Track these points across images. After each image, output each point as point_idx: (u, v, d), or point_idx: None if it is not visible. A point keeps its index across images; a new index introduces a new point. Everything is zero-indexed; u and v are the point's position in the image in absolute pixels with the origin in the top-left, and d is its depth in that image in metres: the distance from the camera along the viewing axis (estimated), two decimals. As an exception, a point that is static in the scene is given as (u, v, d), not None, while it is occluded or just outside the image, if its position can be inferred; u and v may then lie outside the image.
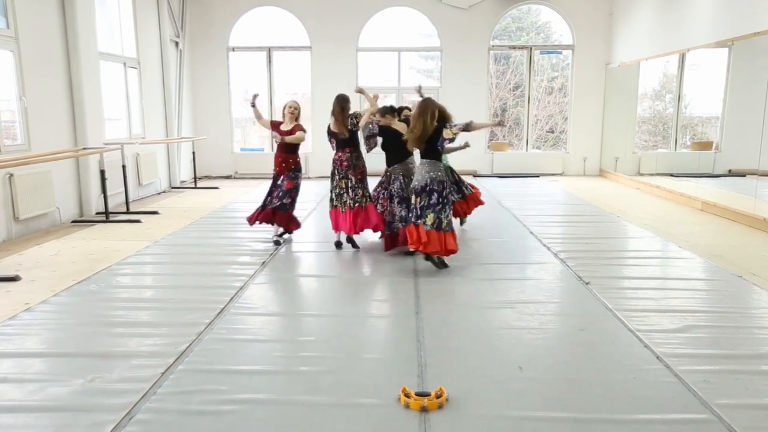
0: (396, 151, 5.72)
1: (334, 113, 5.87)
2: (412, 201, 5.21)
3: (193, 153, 11.32)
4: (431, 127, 5.04)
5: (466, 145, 6.59)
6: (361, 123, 5.79)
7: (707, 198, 8.39)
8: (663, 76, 11.52)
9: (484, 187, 10.61)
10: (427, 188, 5.08)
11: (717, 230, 7.01)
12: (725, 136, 9.64)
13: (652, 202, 9.19)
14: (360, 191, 5.83)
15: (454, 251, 5.16)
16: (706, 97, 10.43)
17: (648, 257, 5.74)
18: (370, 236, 6.38)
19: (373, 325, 4.06)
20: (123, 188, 8.38)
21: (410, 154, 5.80)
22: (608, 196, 9.62)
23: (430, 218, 5.05)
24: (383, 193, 5.92)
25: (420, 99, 5.34)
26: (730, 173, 9.41)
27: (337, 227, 5.97)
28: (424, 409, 2.78)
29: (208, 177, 12.46)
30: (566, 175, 12.51)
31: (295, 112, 6.25)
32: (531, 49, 12.62)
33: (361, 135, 5.95)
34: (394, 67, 12.48)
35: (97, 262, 5.52)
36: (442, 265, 5.24)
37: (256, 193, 10.16)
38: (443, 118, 5.13)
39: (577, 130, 12.59)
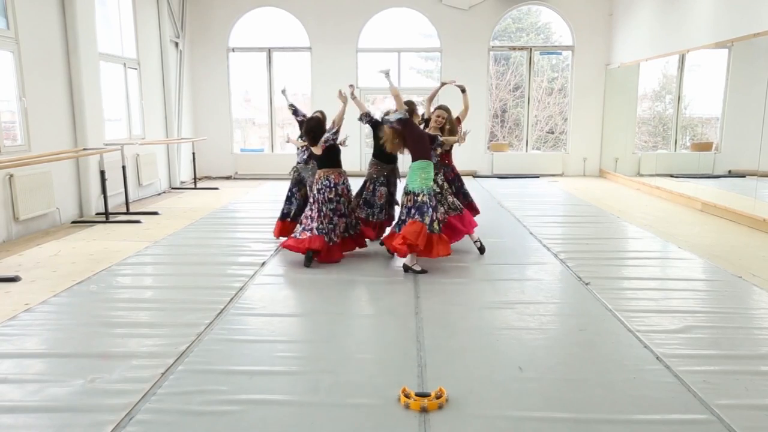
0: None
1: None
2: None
3: (193, 153, 11.33)
4: None
5: None
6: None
7: (707, 198, 8.39)
8: (663, 76, 11.51)
9: (484, 187, 10.62)
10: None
11: (717, 231, 7.01)
12: (725, 136, 9.64)
13: (652, 202, 9.19)
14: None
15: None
16: (706, 97, 10.43)
17: (648, 258, 5.74)
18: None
19: (373, 325, 4.06)
20: (123, 189, 8.38)
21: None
22: (608, 197, 9.62)
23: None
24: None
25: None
26: (730, 174, 9.40)
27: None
28: (424, 410, 2.78)
29: (208, 177, 12.46)
30: (566, 176, 12.52)
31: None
32: (531, 49, 12.63)
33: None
34: (394, 67, 12.49)
35: (97, 262, 5.52)
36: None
37: (256, 193, 10.17)
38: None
39: (577, 130, 12.60)
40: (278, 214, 6.45)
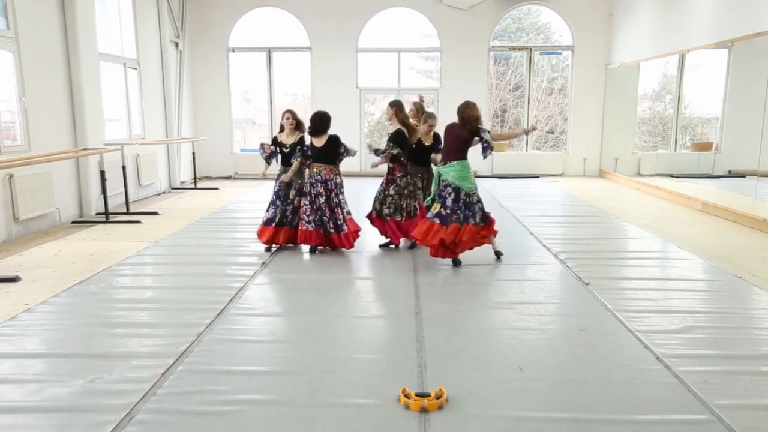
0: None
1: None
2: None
3: (193, 153, 11.33)
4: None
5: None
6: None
7: (707, 199, 8.39)
8: (663, 76, 11.52)
9: (484, 187, 10.61)
10: None
11: (717, 231, 7.01)
12: (725, 136, 9.64)
13: (652, 202, 9.19)
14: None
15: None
16: (706, 97, 10.43)
17: (648, 258, 5.74)
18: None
19: (373, 325, 4.06)
20: (123, 189, 8.38)
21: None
22: (608, 197, 9.62)
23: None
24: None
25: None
26: (730, 174, 9.40)
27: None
28: (424, 410, 2.78)
29: (208, 177, 12.46)
30: (566, 176, 12.52)
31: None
32: (531, 49, 12.63)
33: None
34: (394, 67, 12.49)
35: (97, 262, 5.52)
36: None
37: (256, 193, 10.17)
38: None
39: (577, 130, 12.60)
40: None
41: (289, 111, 6.01)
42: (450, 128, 5.38)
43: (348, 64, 12.18)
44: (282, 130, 6.02)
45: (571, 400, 2.92)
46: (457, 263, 5.35)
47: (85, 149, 7.61)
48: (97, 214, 8.01)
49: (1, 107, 6.80)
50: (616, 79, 11.93)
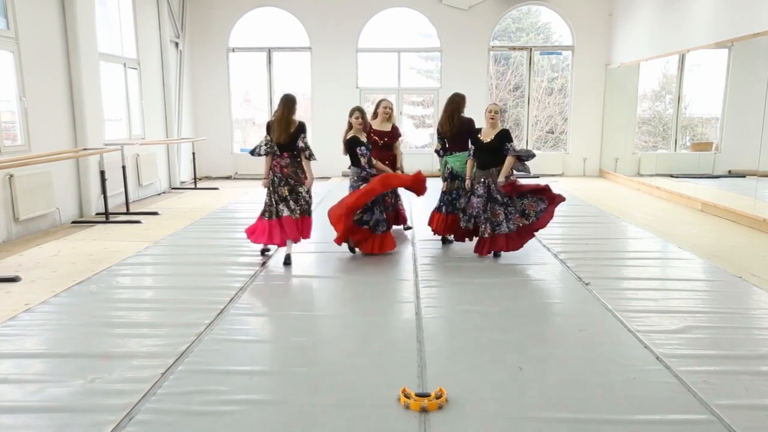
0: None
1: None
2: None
3: (193, 154, 11.33)
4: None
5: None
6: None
7: (707, 199, 8.39)
8: (663, 76, 11.52)
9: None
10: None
11: (717, 231, 7.01)
12: (725, 136, 9.64)
13: (652, 202, 9.19)
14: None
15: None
16: (706, 97, 10.44)
17: (648, 258, 5.74)
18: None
19: (373, 325, 4.06)
20: (123, 189, 8.38)
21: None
22: (608, 197, 9.62)
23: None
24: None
25: None
26: (730, 174, 9.41)
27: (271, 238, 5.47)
28: (424, 410, 2.78)
29: (208, 178, 12.46)
30: (566, 176, 12.51)
31: (388, 111, 6.23)
32: (531, 49, 12.63)
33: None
34: (394, 67, 12.49)
35: (97, 262, 5.52)
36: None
37: (256, 193, 10.16)
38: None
39: (577, 130, 12.60)
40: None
41: (359, 109, 5.74)
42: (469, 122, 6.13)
43: (348, 64, 12.18)
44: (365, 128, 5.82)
45: (571, 400, 2.92)
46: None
47: (85, 149, 7.61)
48: (97, 214, 8.02)
49: (1, 107, 6.80)
50: (616, 79, 11.93)
